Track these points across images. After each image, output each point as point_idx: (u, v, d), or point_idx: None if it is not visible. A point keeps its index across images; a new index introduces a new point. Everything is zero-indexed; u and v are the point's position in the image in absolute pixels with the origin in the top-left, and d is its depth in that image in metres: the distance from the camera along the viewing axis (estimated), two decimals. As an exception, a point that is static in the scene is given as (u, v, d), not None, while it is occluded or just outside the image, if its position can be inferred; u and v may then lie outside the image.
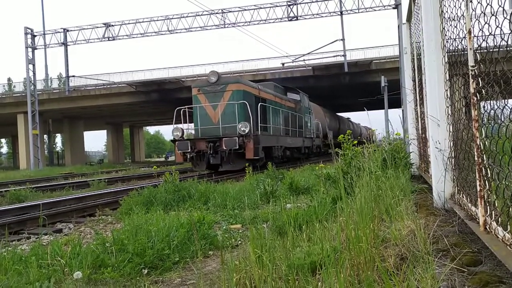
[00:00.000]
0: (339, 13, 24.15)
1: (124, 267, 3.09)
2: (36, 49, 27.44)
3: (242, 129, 12.51)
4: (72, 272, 3.03)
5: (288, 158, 17.81)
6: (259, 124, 13.71)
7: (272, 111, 15.78)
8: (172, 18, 25.59)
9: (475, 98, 2.07)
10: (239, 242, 3.99)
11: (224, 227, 4.65)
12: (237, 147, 12.20)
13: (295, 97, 20.06)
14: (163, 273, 3.14)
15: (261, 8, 24.88)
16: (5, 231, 4.38)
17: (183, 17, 25.54)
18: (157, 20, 25.75)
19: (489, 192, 1.97)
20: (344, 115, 38.66)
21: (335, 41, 25.15)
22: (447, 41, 2.83)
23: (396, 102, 22.53)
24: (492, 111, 1.86)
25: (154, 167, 8.99)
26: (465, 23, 2.18)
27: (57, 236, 5.07)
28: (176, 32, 25.81)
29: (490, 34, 1.76)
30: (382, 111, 23.12)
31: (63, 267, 3.11)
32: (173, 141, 13.76)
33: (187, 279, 3.01)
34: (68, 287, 2.68)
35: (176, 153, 13.73)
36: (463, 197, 2.62)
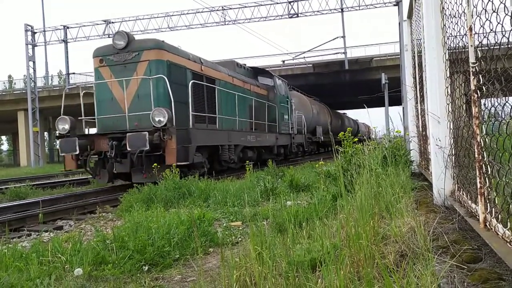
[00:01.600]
0: (340, 10, 24.10)
1: (125, 264, 3.09)
2: (36, 46, 27.40)
3: (156, 118, 8.02)
4: (72, 269, 3.04)
5: (251, 161, 12.12)
6: (190, 112, 9.02)
7: (226, 96, 11.23)
8: (172, 15, 25.55)
9: (476, 95, 2.06)
10: (240, 239, 3.99)
11: (224, 224, 4.66)
12: (148, 148, 7.76)
13: (267, 82, 15.61)
14: (163, 270, 3.15)
15: (261, 5, 24.83)
16: (6, 228, 4.38)
17: (184, 14, 25.50)
18: (157, 17, 25.71)
19: (489, 189, 1.97)
20: (343, 112, 38.35)
21: (335, 38, 25.16)
22: (448, 38, 2.83)
23: (396, 99, 22.51)
24: (493, 108, 1.86)
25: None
26: (466, 20, 2.17)
27: (57, 233, 5.08)
28: (177, 29, 25.77)
29: (491, 31, 1.76)
30: (383, 108, 23.12)
31: (64, 264, 3.12)
32: (58, 137, 9.09)
33: (187, 276, 3.02)
34: (69, 284, 2.69)
35: (65, 158, 8.88)
36: (463, 194, 2.62)
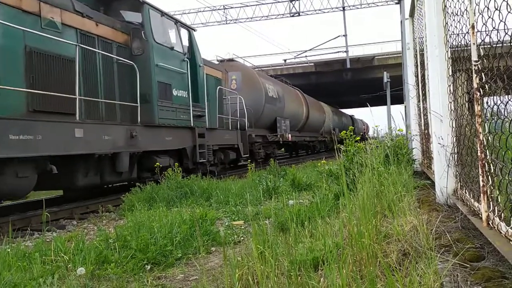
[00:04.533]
0: (342, 8, 24.08)
1: (127, 263, 3.10)
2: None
3: None
4: (75, 268, 3.05)
5: None
6: None
7: None
8: (174, 15, 25.62)
9: (478, 93, 2.06)
10: (242, 238, 4.00)
11: (226, 224, 4.67)
12: None
13: (132, 18, 7.71)
14: (166, 269, 3.15)
15: (263, 4, 24.85)
16: (9, 228, 4.40)
17: (185, 13, 25.55)
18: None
19: (492, 188, 1.97)
20: (347, 111, 37.53)
21: (337, 37, 25.16)
22: (450, 36, 2.82)
23: (398, 98, 22.46)
24: (495, 106, 1.86)
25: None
26: (468, 18, 2.17)
27: (60, 232, 5.10)
28: (178, 29, 25.83)
29: (494, 29, 1.75)
30: (385, 107, 23.08)
31: (67, 263, 3.13)
32: None
33: (190, 275, 3.02)
34: (72, 283, 2.70)
35: None
36: (465, 192, 2.62)
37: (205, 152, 8.73)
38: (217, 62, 13.00)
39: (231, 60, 14.30)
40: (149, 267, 3.15)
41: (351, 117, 34.00)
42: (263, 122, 13.86)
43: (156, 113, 7.48)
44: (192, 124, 8.51)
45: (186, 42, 9.00)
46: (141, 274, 3.02)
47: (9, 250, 3.36)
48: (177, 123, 8.07)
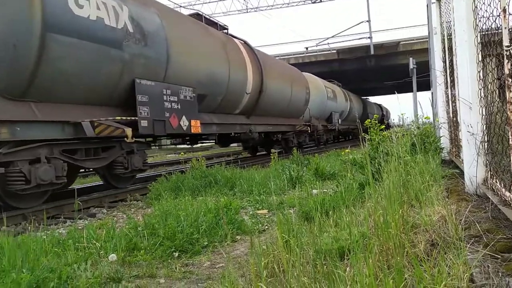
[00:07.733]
0: (365, -7, 23.48)
1: (156, 250, 3.20)
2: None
3: None
4: (107, 254, 3.17)
5: None
6: None
7: None
8: (195, 4, 25.64)
9: (510, 80, 1.99)
10: (266, 227, 4.04)
11: (250, 213, 4.72)
12: None
13: None
14: (193, 256, 3.24)
15: (284, -9, 24.54)
16: (44, 216, 4.60)
17: (206, 3, 25.54)
18: (181, 6, 25.84)
19: (524, 177, 1.91)
20: (373, 99, 36.17)
21: (360, 23, 24.61)
22: (479, 20, 2.72)
23: (425, 85, 21.79)
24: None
25: (181, 153, 8.90)
26: (499, 1, 2.08)
27: (91, 220, 5.29)
28: (199, 19, 25.90)
29: (528, 12, 1.69)
30: (410, 94, 22.43)
31: (99, 250, 3.26)
32: None
33: (216, 263, 3.09)
34: (104, 269, 2.81)
35: None
36: (496, 182, 2.55)
37: None
38: None
39: None
40: (177, 254, 3.24)
41: (363, 100, 26.11)
42: (64, 87, 5.48)
43: None
44: None
45: None
46: (169, 261, 3.11)
47: (45, 237, 3.52)
48: None
